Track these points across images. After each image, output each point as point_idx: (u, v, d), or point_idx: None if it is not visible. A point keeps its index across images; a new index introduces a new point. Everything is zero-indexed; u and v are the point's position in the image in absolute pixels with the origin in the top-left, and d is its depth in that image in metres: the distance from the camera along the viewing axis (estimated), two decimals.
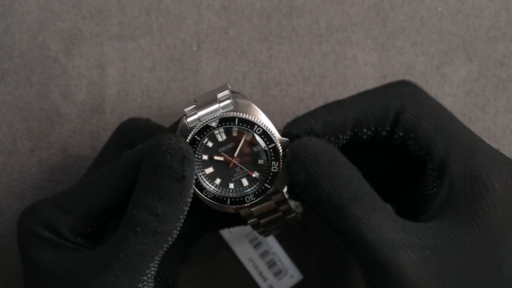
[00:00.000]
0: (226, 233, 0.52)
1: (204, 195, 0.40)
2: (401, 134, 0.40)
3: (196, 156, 0.40)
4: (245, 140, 0.40)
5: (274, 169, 0.40)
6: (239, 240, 0.53)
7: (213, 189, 0.40)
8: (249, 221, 0.42)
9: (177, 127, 0.40)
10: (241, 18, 0.54)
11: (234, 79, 0.53)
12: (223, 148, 0.40)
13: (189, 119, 0.39)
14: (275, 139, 0.39)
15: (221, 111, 0.39)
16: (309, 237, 0.53)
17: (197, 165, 0.40)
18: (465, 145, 0.39)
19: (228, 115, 0.39)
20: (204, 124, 0.39)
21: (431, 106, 0.41)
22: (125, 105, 0.53)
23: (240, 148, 0.40)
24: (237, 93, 0.40)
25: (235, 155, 0.40)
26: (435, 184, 0.39)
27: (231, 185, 0.40)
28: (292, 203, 0.43)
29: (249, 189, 0.40)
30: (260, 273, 0.52)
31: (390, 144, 0.41)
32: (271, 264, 0.52)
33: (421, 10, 0.54)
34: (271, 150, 0.40)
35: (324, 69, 0.53)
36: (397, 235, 0.36)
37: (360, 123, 0.40)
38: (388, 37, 0.54)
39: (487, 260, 0.36)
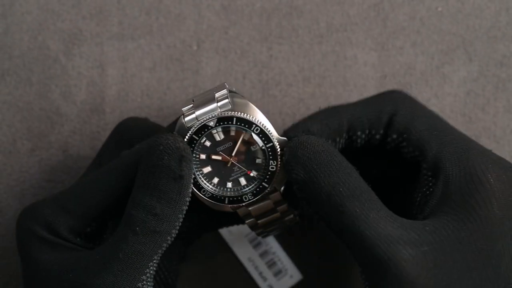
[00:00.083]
0: (225, 233, 0.52)
1: (202, 194, 0.40)
2: (394, 136, 0.41)
3: (194, 155, 0.40)
4: (243, 139, 0.40)
5: (272, 168, 0.40)
6: (239, 240, 0.52)
7: (211, 188, 0.40)
8: (247, 221, 0.42)
9: (175, 127, 0.40)
10: (241, 18, 0.54)
11: (234, 79, 0.53)
12: (221, 147, 0.40)
13: (187, 118, 0.39)
14: (273, 138, 0.39)
15: (219, 110, 0.39)
16: (309, 237, 0.53)
17: (195, 164, 0.40)
18: (458, 144, 0.39)
19: (226, 115, 0.39)
20: (202, 124, 0.39)
21: (423, 110, 0.41)
22: (125, 105, 0.53)
23: (238, 147, 0.40)
24: (234, 92, 0.40)
25: (233, 154, 0.40)
26: (430, 184, 0.40)
27: (229, 184, 0.40)
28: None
29: (247, 188, 0.40)
30: (260, 273, 0.52)
31: (384, 149, 0.42)
32: (271, 264, 0.52)
33: (421, 10, 0.54)
34: (269, 149, 0.40)
35: (324, 69, 0.53)
36: (395, 232, 0.36)
37: (355, 126, 0.41)
38: (388, 37, 0.54)
39: (485, 255, 0.36)
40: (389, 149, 0.42)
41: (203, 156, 0.40)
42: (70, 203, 0.40)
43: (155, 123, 0.47)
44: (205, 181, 0.40)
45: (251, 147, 0.40)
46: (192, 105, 0.39)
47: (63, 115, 0.53)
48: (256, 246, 0.53)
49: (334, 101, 0.53)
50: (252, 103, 0.40)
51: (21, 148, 0.53)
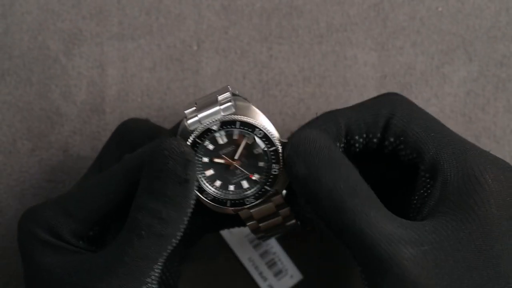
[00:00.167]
0: (226, 233, 0.52)
1: (204, 197, 0.40)
2: (392, 139, 0.40)
3: (197, 158, 0.40)
4: (246, 143, 0.40)
5: (275, 171, 0.40)
6: (239, 240, 0.53)
7: (213, 191, 0.40)
8: (248, 224, 0.42)
9: (178, 130, 0.40)
10: (241, 18, 0.54)
11: (234, 79, 0.53)
12: (224, 151, 0.40)
13: (189, 121, 0.39)
14: (276, 142, 0.39)
15: (222, 113, 0.39)
16: (309, 237, 0.53)
17: (197, 167, 0.40)
18: (456, 145, 0.39)
19: (229, 118, 0.39)
20: (205, 127, 0.39)
21: (420, 112, 0.41)
22: (125, 105, 0.53)
23: (241, 151, 0.40)
24: (237, 95, 0.40)
25: (236, 157, 0.40)
26: (428, 186, 0.40)
27: (231, 187, 0.40)
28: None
29: (249, 191, 0.40)
30: (260, 273, 0.52)
31: (382, 153, 0.42)
32: (271, 264, 0.52)
33: (421, 10, 0.54)
34: (271, 152, 0.40)
35: (324, 69, 0.53)
36: (396, 231, 0.36)
37: (352, 130, 0.41)
38: (388, 37, 0.54)
39: (484, 254, 0.36)
40: (387, 152, 0.42)
41: (205, 159, 0.40)
42: (72, 207, 0.40)
43: (156, 124, 0.47)
44: (207, 184, 0.40)
45: (254, 150, 0.40)
46: (194, 107, 0.39)
47: (63, 115, 0.53)
48: (256, 246, 0.53)
49: (334, 101, 0.53)
50: (254, 105, 0.40)
51: (21, 148, 0.53)
